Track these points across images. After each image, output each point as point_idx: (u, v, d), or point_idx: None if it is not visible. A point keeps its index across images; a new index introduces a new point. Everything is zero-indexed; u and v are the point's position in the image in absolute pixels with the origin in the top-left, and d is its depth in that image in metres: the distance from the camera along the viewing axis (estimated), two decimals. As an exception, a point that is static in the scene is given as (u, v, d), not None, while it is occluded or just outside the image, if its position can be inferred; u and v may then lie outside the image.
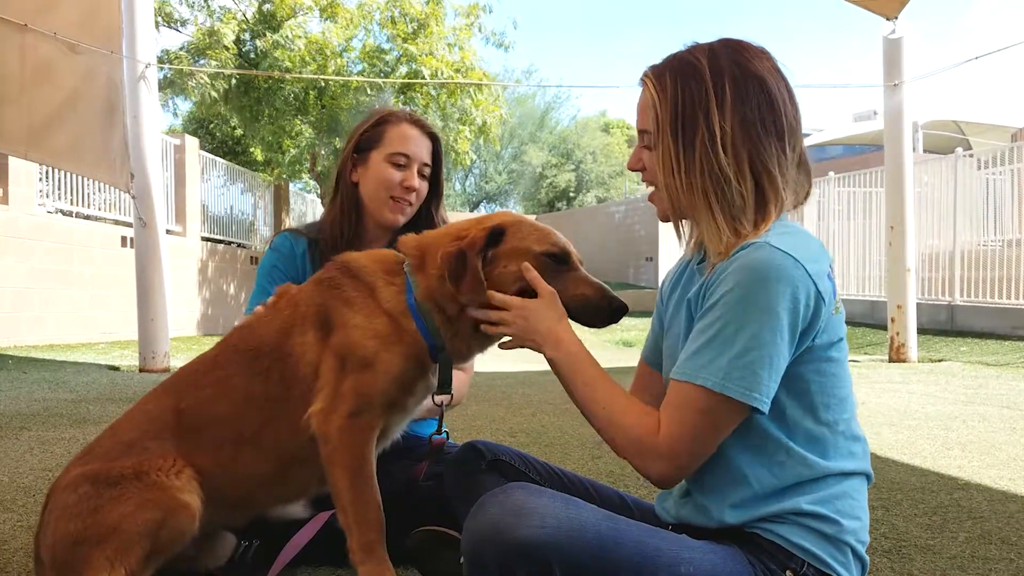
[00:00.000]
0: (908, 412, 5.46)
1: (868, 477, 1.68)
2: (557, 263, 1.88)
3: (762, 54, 1.67)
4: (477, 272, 1.84)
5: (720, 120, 1.59)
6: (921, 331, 9.59)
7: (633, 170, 1.79)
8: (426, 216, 2.66)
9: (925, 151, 16.81)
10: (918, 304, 9.38)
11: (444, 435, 2.19)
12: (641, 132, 1.73)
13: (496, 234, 1.89)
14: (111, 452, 1.90)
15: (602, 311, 1.87)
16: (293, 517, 2.07)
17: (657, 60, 1.73)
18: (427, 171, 2.62)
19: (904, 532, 2.74)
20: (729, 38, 1.70)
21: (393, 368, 1.89)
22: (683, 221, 1.73)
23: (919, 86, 12.20)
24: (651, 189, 1.77)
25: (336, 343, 1.91)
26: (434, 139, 2.65)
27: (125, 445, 1.91)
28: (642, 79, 1.72)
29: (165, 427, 1.93)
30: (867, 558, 1.65)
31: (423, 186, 2.61)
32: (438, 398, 2.00)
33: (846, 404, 1.64)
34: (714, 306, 1.54)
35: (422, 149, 2.60)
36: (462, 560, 1.55)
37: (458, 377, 2.10)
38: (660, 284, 1.97)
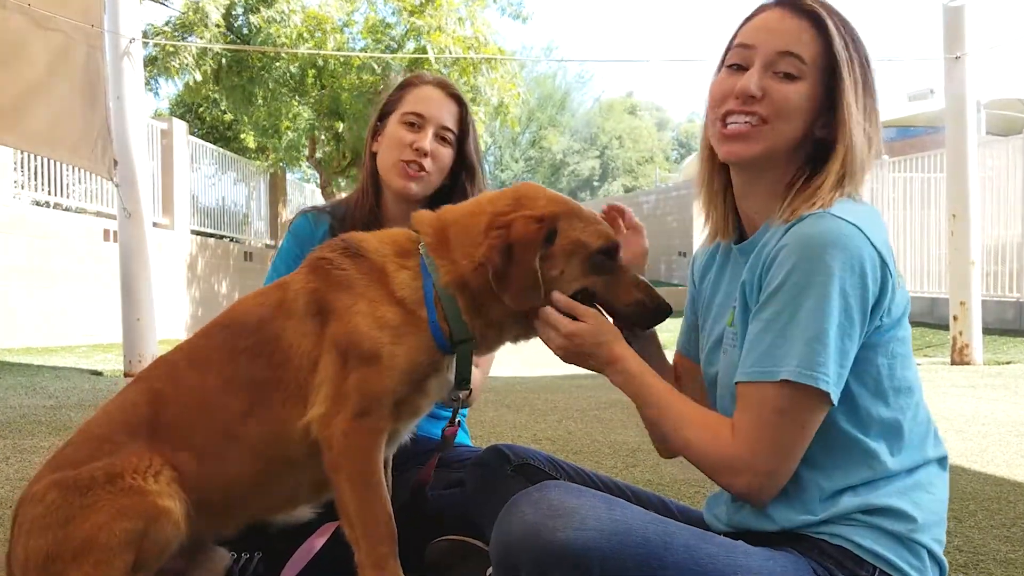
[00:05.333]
0: (976, 418, 5.40)
1: (941, 461, 1.64)
2: (611, 259, 1.83)
3: None
4: (534, 274, 1.75)
5: (873, 78, 1.66)
6: (986, 331, 9.50)
7: (745, 96, 1.62)
8: (461, 193, 2.58)
9: (988, 133, 16.62)
10: (983, 301, 9.28)
11: (459, 423, 2.15)
12: (786, 54, 1.60)
13: (552, 230, 1.79)
14: (80, 454, 1.85)
15: (649, 313, 1.84)
16: (298, 522, 2.03)
17: None
18: (449, 136, 2.57)
19: (980, 545, 2.70)
20: None
21: (403, 362, 1.83)
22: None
23: (983, 60, 12.07)
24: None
25: (335, 334, 1.85)
26: (459, 102, 2.61)
27: (95, 445, 1.86)
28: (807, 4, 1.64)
29: (140, 420, 1.89)
30: (945, 561, 1.62)
31: (440, 151, 2.55)
32: (456, 394, 1.95)
33: (914, 387, 1.62)
34: (776, 292, 1.51)
35: (442, 111, 2.55)
36: (490, 571, 1.52)
37: (474, 374, 2.04)
38: (690, 268, 1.93)
